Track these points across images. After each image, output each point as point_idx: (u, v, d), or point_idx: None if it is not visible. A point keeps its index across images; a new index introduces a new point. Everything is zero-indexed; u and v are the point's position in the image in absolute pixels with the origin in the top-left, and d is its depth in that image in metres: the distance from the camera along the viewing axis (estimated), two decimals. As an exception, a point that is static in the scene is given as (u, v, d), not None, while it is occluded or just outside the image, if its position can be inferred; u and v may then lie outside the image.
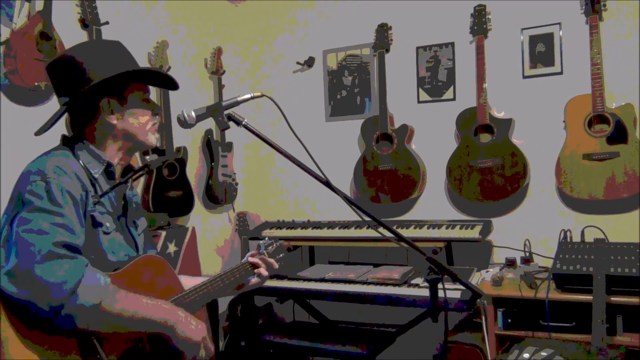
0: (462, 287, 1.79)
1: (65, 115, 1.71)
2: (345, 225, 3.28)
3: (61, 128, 2.52)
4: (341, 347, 2.82)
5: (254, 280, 1.90)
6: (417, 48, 3.46)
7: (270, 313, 3.67)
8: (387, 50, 3.47)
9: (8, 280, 1.30)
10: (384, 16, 3.50)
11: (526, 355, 1.98)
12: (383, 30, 3.45)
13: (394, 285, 2.80)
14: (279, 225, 3.51)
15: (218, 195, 3.64)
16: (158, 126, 1.67)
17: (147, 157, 2.94)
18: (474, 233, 2.91)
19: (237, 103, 1.58)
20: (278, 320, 3.71)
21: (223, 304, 3.51)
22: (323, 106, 3.77)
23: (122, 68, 1.55)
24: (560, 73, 3.10)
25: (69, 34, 2.69)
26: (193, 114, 1.54)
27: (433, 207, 3.42)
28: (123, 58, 1.60)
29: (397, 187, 3.34)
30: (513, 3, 3.19)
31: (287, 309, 3.57)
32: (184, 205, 3.34)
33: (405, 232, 3.00)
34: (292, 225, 3.47)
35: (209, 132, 3.63)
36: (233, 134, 3.64)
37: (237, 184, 3.78)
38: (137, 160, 2.94)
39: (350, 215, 2.29)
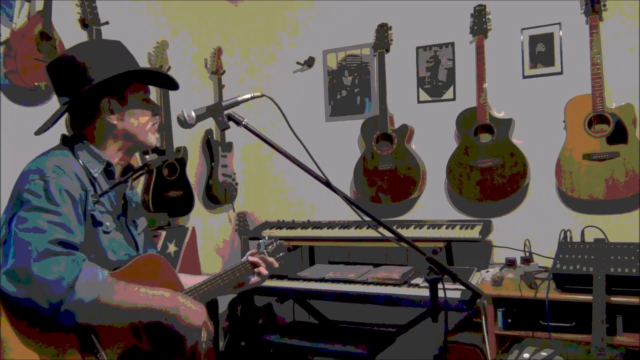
0: (462, 287, 1.79)
1: (66, 115, 1.71)
2: (345, 225, 3.28)
3: (61, 128, 2.52)
4: (341, 347, 2.82)
5: (254, 279, 1.90)
6: (417, 48, 3.46)
7: (270, 313, 3.67)
8: (387, 50, 3.47)
9: (7, 280, 1.30)
10: (384, 16, 3.50)
11: (526, 355, 1.98)
12: (383, 30, 3.45)
13: (394, 285, 2.79)
14: (279, 225, 3.51)
15: (218, 195, 3.64)
16: (158, 126, 1.68)
17: (147, 157, 2.94)
18: (474, 233, 2.91)
19: (237, 103, 1.58)
20: (278, 320, 3.71)
21: (223, 304, 3.52)
22: (323, 106, 3.77)
23: (122, 68, 1.55)
24: (560, 73, 3.10)
25: (69, 34, 2.69)
26: (193, 114, 1.54)
27: (433, 207, 3.42)
28: (123, 58, 1.60)
29: (397, 187, 3.34)
30: (513, 3, 3.19)
31: (287, 309, 3.57)
32: (184, 205, 3.34)
33: (405, 232, 3.00)
34: (292, 225, 3.47)
35: (209, 132, 3.63)
36: (233, 134, 3.64)
37: (237, 184, 3.78)
38: (137, 160, 2.93)
39: (350, 215, 2.29)
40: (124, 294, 1.42)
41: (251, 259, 1.89)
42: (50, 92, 2.59)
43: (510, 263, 2.89)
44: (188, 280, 1.75)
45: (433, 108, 3.43)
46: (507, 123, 3.10)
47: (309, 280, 3.01)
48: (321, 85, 3.77)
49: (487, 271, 2.94)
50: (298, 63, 3.78)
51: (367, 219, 1.53)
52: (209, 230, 3.73)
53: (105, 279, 1.39)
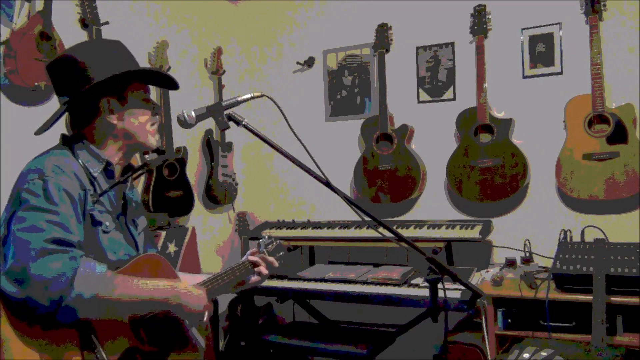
0: (462, 287, 1.79)
1: (66, 114, 1.71)
2: (345, 225, 3.28)
3: (61, 127, 2.52)
4: (341, 347, 2.82)
5: (254, 278, 1.90)
6: (417, 48, 3.46)
7: (270, 313, 3.67)
8: (387, 50, 3.47)
9: (7, 280, 1.30)
10: (384, 16, 3.50)
11: (526, 355, 1.98)
12: (383, 30, 3.45)
13: (394, 285, 2.79)
14: (279, 225, 3.52)
15: (218, 195, 3.64)
16: (158, 127, 1.68)
17: (147, 157, 2.94)
18: (474, 233, 2.91)
19: (237, 103, 1.58)
20: (278, 320, 3.71)
21: (223, 304, 3.52)
22: (323, 106, 3.77)
23: (122, 68, 1.55)
24: (560, 73, 3.10)
25: (69, 34, 2.69)
26: (193, 114, 1.54)
27: (433, 207, 3.42)
28: (123, 58, 1.60)
29: (397, 187, 3.34)
30: (513, 3, 3.19)
31: (287, 309, 3.57)
32: (184, 205, 3.34)
33: (405, 232, 3.00)
34: (292, 225, 3.47)
35: (209, 132, 3.63)
36: (233, 134, 3.64)
37: (237, 184, 3.78)
38: (137, 160, 2.93)
39: (350, 215, 2.29)
40: (124, 287, 1.42)
41: (251, 258, 1.89)
42: (50, 92, 2.60)
43: (510, 263, 2.89)
44: (188, 280, 1.75)
45: (433, 108, 3.43)
46: (507, 123, 3.10)
47: (309, 280, 3.01)
48: (321, 85, 3.77)
49: (487, 271, 2.94)
50: (298, 63, 3.78)
51: (367, 219, 1.53)
52: (209, 230, 3.73)
53: (104, 273, 1.39)
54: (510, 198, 3.10)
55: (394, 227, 1.97)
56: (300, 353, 3.09)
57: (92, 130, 1.58)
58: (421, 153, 3.40)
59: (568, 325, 2.52)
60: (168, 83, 1.69)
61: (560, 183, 2.99)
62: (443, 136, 3.36)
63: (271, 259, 1.93)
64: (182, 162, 3.32)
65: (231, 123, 1.57)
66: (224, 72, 3.75)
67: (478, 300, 2.60)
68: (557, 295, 2.52)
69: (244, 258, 1.90)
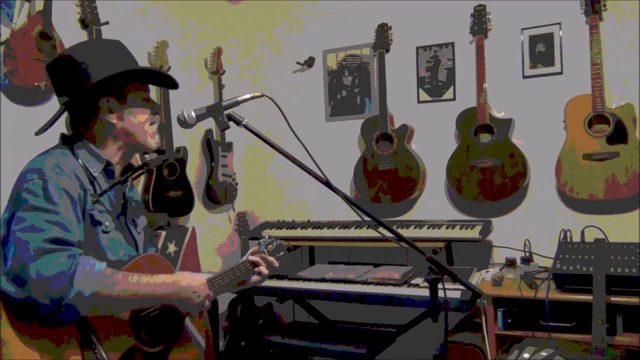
0: (462, 287, 1.79)
1: (66, 114, 1.71)
2: (345, 225, 3.28)
3: (61, 127, 2.52)
4: (341, 347, 2.82)
5: (255, 278, 1.90)
6: (417, 48, 3.46)
7: (270, 313, 3.67)
8: (387, 50, 3.47)
9: (7, 281, 1.30)
10: (384, 16, 3.50)
11: (526, 355, 1.98)
12: (383, 30, 3.45)
13: (394, 285, 2.79)
14: (279, 225, 3.51)
15: (218, 195, 3.64)
16: (158, 127, 1.67)
17: (147, 157, 2.94)
18: (474, 233, 2.91)
19: (237, 103, 1.58)
20: (278, 320, 3.71)
21: (223, 304, 3.52)
22: (323, 106, 3.77)
23: (121, 67, 1.55)
24: (560, 73, 3.10)
25: (69, 34, 2.69)
26: (193, 114, 1.54)
27: (433, 207, 3.42)
28: (123, 57, 1.60)
29: (397, 187, 3.34)
30: (513, 3, 3.19)
31: (287, 309, 3.57)
32: (184, 205, 3.34)
33: (405, 232, 3.00)
34: (292, 225, 3.47)
35: (209, 132, 3.63)
36: (233, 134, 3.64)
37: (237, 184, 3.78)
38: (137, 160, 2.93)
39: (350, 215, 2.29)
40: (124, 283, 1.43)
41: (251, 258, 1.89)
42: (50, 92, 2.59)
43: (510, 263, 2.89)
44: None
45: (433, 108, 3.43)
46: (507, 123, 3.10)
47: (309, 280, 3.01)
48: (321, 85, 3.77)
49: (487, 271, 2.94)
50: (298, 63, 3.78)
51: (367, 219, 1.53)
52: (209, 230, 3.73)
53: (103, 270, 1.40)
54: (510, 198, 3.10)
55: (394, 227, 1.97)
56: (300, 353, 3.09)
57: (92, 130, 1.58)
58: (421, 153, 3.40)
59: (568, 325, 2.52)
60: (167, 82, 1.69)
61: (560, 183, 2.99)
62: (443, 136, 3.36)
63: (271, 258, 1.93)
64: (182, 162, 3.31)
65: (231, 123, 1.57)
66: (224, 72, 3.75)
67: (478, 300, 2.60)
68: (557, 295, 2.52)
69: (244, 258, 1.90)
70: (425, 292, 2.54)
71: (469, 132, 3.16)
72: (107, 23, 2.84)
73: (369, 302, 2.80)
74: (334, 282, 2.93)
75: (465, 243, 3.00)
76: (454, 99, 3.37)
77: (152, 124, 1.64)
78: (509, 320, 2.65)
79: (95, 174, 1.55)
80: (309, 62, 3.76)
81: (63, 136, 1.61)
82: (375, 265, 3.18)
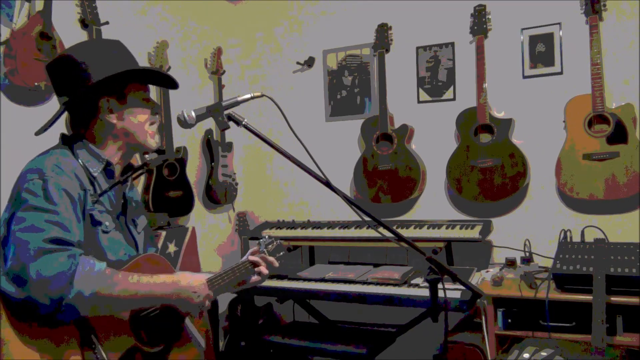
0: (462, 287, 1.79)
1: (66, 115, 1.71)
2: (345, 225, 3.28)
3: (61, 127, 2.52)
4: (341, 347, 2.82)
5: (255, 278, 1.90)
6: (417, 48, 3.46)
7: (270, 313, 3.67)
8: (387, 50, 3.47)
9: (7, 281, 1.30)
10: (384, 16, 3.50)
11: (526, 355, 1.98)
12: (383, 30, 3.45)
13: (394, 285, 2.79)
14: (279, 225, 3.51)
15: (218, 195, 3.64)
16: (158, 127, 1.67)
17: (147, 157, 2.94)
18: (474, 233, 2.91)
19: (237, 103, 1.58)
20: (278, 320, 3.71)
21: (223, 304, 3.52)
22: (323, 106, 3.77)
23: (121, 67, 1.55)
24: (560, 73, 3.10)
25: (69, 34, 2.69)
26: (193, 114, 1.54)
27: (433, 207, 3.42)
28: (123, 57, 1.60)
29: (397, 187, 3.34)
30: (513, 3, 3.19)
31: (287, 309, 3.57)
32: (184, 205, 3.34)
33: (405, 232, 3.00)
34: (292, 225, 3.47)
35: (209, 132, 3.63)
36: (233, 134, 3.64)
37: (237, 184, 3.78)
38: (137, 160, 2.93)
39: (350, 215, 2.29)
40: (124, 284, 1.43)
41: (251, 258, 1.89)
42: (50, 92, 2.59)
43: (510, 263, 2.89)
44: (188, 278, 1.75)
45: (433, 108, 3.43)
46: (507, 123, 3.10)
47: (309, 280, 3.01)
48: (321, 85, 3.77)
49: (487, 271, 2.94)
50: (298, 63, 3.78)
51: (367, 219, 1.53)
52: (209, 230, 3.73)
53: (103, 270, 1.40)
54: (510, 198, 3.10)
55: (394, 227, 1.97)
56: (300, 353, 3.09)
57: (92, 130, 1.58)
58: (421, 153, 3.40)
59: (568, 325, 2.52)
60: (167, 82, 1.69)
61: (560, 183, 2.99)
62: (443, 136, 3.36)
63: (271, 258, 1.93)
64: (182, 162, 3.32)
65: (231, 123, 1.57)
66: (224, 72, 3.75)
67: (478, 300, 2.60)
68: (557, 295, 2.52)
69: (244, 258, 1.90)
70: (425, 292, 2.54)
71: (469, 132, 3.16)
72: (107, 23, 2.84)
73: (369, 302, 2.80)
74: (334, 282, 2.93)
75: (465, 243, 3.00)
76: (454, 99, 3.37)
77: (152, 124, 1.64)
78: (509, 320, 2.65)
79: (95, 174, 1.55)
80: (309, 62, 3.76)
81: (63, 136, 1.61)
82: (375, 265, 3.18)
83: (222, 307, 3.51)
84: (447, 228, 3.02)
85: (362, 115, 3.59)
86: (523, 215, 3.19)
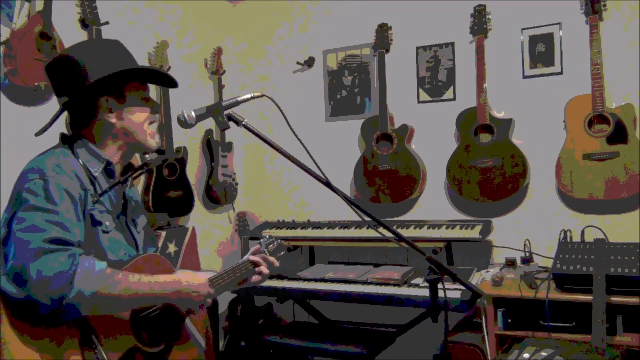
0: (462, 287, 1.79)
1: (66, 115, 1.71)
2: (345, 225, 3.28)
3: (61, 127, 2.52)
4: (341, 347, 2.82)
5: (255, 277, 1.90)
6: (417, 48, 3.46)
7: (270, 313, 3.67)
8: (387, 50, 3.47)
9: (7, 280, 1.30)
10: (384, 16, 3.50)
11: (526, 355, 1.98)
12: (383, 30, 3.45)
13: (394, 285, 2.79)
14: (279, 225, 3.51)
15: (218, 195, 3.64)
16: (158, 127, 1.67)
17: (147, 156, 2.94)
18: (474, 233, 2.91)
19: (237, 103, 1.58)
20: (278, 320, 3.71)
21: (223, 304, 3.51)
22: (323, 106, 3.77)
23: (120, 67, 1.55)
24: (560, 73, 3.10)
25: (69, 34, 2.69)
26: (193, 114, 1.54)
27: (433, 207, 3.42)
28: (121, 57, 1.60)
29: (397, 187, 3.34)
30: (513, 3, 3.19)
31: (287, 309, 3.57)
32: (184, 205, 3.34)
33: (405, 232, 3.00)
34: (292, 225, 3.47)
35: (209, 132, 3.63)
36: (233, 134, 3.64)
37: (237, 184, 3.78)
38: (137, 160, 2.93)
39: (350, 215, 2.29)
40: (125, 283, 1.43)
41: (252, 258, 1.89)
42: (50, 92, 2.59)
43: (510, 263, 2.88)
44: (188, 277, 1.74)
45: (433, 108, 3.43)
46: (507, 123, 3.10)
47: (309, 280, 3.01)
48: (321, 85, 3.77)
49: (487, 271, 2.94)
50: (298, 63, 3.78)
51: (367, 219, 1.53)
52: (209, 230, 3.73)
53: (104, 270, 1.40)
54: (510, 198, 3.10)
55: (394, 227, 1.98)
56: (300, 353, 3.09)
57: (91, 130, 1.58)
58: (421, 153, 3.40)
59: (568, 325, 2.52)
60: (166, 81, 1.69)
61: (560, 183, 2.99)
62: (443, 136, 3.36)
63: (272, 258, 1.93)
64: (182, 162, 3.32)
65: (231, 123, 1.57)
66: (224, 72, 3.75)
67: (478, 300, 2.60)
68: (557, 295, 2.52)
69: (245, 257, 1.90)
70: (425, 292, 2.55)
71: (469, 132, 3.16)
72: (107, 23, 2.84)
73: (369, 302, 2.80)
74: (334, 282, 2.93)
75: (465, 243, 3.00)
76: (454, 99, 3.37)
77: (151, 123, 1.64)
78: (509, 320, 2.65)
79: (95, 174, 1.55)
80: (309, 62, 3.76)
81: (63, 136, 1.61)
82: (375, 265, 3.18)
83: (222, 307, 3.51)
84: (447, 228, 3.02)
85: (362, 115, 3.59)
86: (523, 215, 3.19)
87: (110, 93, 1.56)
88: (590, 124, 2.89)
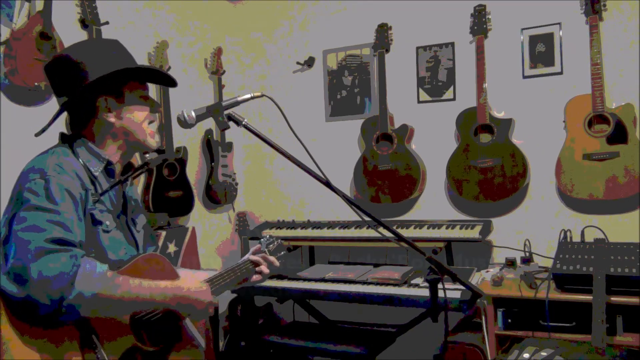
0: (462, 287, 1.79)
1: (65, 115, 1.71)
2: (345, 225, 3.28)
3: (61, 127, 2.52)
4: (341, 347, 2.82)
5: (255, 277, 1.90)
6: (417, 48, 3.46)
7: (270, 313, 3.67)
8: (387, 50, 3.47)
9: (7, 280, 1.30)
10: (384, 16, 3.50)
11: (526, 355, 1.98)
12: (383, 30, 3.45)
13: (394, 285, 2.79)
14: (279, 225, 3.52)
15: (218, 195, 3.64)
16: (158, 127, 1.68)
17: (147, 156, 2.94)
18: (474, 233, 2.91)
19: (237, 103, 1.58)
20: (278, 320, 3.71)
21: (223, 304, 3.52)
22: (323, 106, 3.77)
23: (118, 66, 1.55)
24: (560, 73, 3.10)
25: (69, 34, 2.69)
26: (193, 114, 1.54)
27: (433, 207, 3.42)
28: (120, 56, 1.60)
29: (397, 187, 3.34)
30: (513, 3, 3.19)
31: (287, 309, 3.57)
32: (184, 205, 3.34)
33: (405, 232, 3.00)
34: (292, 225, 3.47)
35: (209, 132, 3.63)
36: (233, 134, 3.64)
37: (237, 184, 3.78)
38: (137, 160, 2.93)
39: (350, 215, 2.29)
40: (126, 287, 1.42)
41: (252, 257, 1.89)
42: (50, 92, 2.59)
43: (510, 263, 2.88)
44: (189, 276, 1.74)
45: (433, 108, 3.43)
46: (507, 123, 3.10)
47: (309, 280, 3.01)
48: (321, 85, 3.77)
49: (487, 271, 2.94)
50: (298, 63, 3.78)
51: (367, 219, 1.53)
52: (209, 230, 3.73)
53: (105, 272, 1.39)
54: (510, 198, 3.10)
55: (394, 227, 1.97)
56: (300, 353, 3.09)
57: (91, 130, 1.58)
58: (421, 153, 3.40)
59: (568, 325, 2.52)
60: (165, 80, 1.69)
61: (560, 183, 2.99)
62: (443, 136, 3.36)
63: (272, 258, 1.93)
64: (182, 162, 3.32)
65: (231, 123, 1.57)
66: (224, 72, 3.75)
67: (478, 300, 2.60)
68: (557, 295, 2.52)
69: (245, 257, 1.90)
70: (425, 292, 2.55)
71: (469, 132, 3.16)
72: (107, 23, 2.84)
73: (368, 302, 2.80)
74: (334, 282, 2.93)
75: (465, 243, 3.00)
76: (454, 99, 3.37)
77: (151, 122, 1.64)
78: (509, 320, 2.65)
79: (96, 174, 1.55)
80: (309, 62, 3.76)
81: (63, 135, 1.61)
82: (375, 265, 3.18)
83: (222, 307, 3.51)
84: (447, 228, 3.02)
85: (362, 115, 3.59)
86: (523, 215, 3.19)
87: (109, 92, 1.56)
88: (590, 124, 2.89)
